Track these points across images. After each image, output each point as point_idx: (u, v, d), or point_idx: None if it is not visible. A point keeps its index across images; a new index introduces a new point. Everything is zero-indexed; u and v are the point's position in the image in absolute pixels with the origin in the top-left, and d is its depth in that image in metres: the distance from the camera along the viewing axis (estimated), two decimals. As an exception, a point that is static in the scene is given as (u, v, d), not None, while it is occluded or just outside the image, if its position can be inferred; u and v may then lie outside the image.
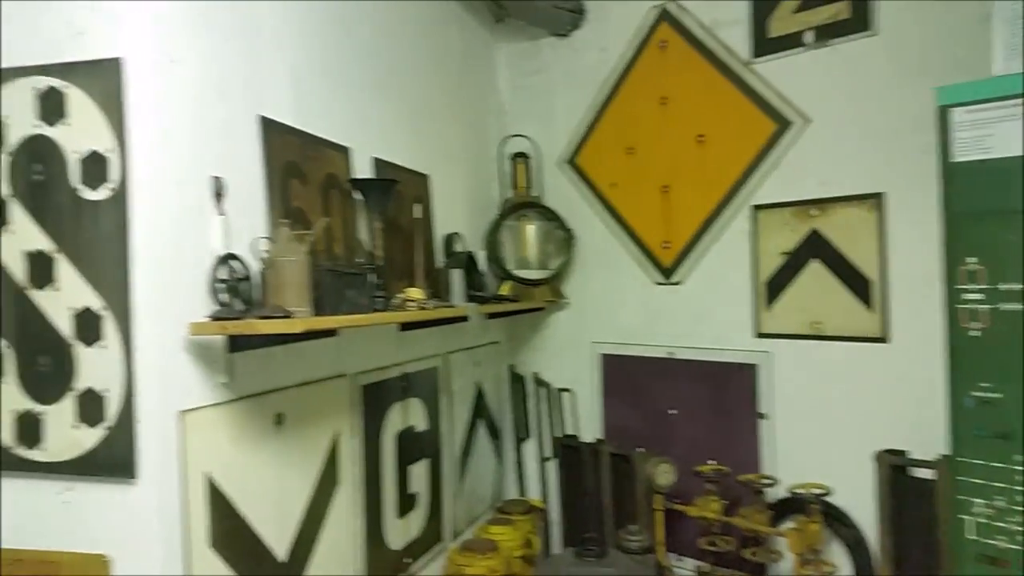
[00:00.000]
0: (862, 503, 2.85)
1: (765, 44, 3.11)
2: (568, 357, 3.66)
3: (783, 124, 3.07)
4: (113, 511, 1.86)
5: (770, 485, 2.97)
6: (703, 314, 3.30)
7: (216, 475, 1.98)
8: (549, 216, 3.53)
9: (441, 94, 3.25)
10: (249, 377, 2.10)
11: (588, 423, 3.61)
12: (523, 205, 3.52)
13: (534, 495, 3.73)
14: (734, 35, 3.17)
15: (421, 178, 2.99)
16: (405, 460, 2.85)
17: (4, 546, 1.86)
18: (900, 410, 2.78)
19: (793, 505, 2.91)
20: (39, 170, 1.82)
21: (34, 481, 1.87)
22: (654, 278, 3.45)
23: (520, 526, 3.30)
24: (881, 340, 2.84)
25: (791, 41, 3.03)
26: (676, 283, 3.39)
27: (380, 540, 2.67)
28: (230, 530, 2.03)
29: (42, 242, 1.81)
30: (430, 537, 3.02)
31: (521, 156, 3.58)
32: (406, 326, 2.81)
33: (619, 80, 3.51)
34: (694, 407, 3.32)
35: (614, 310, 3.54)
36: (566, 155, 3.67)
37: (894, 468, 2.76)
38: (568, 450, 3.62)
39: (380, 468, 2.69)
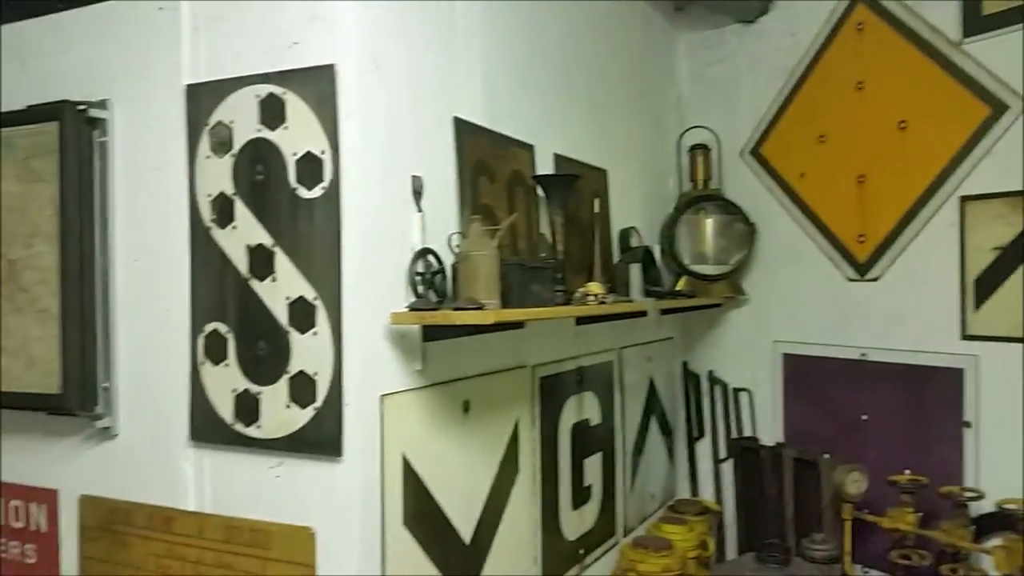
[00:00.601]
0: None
1: (979, 22, 2.85)
2: (746, 356, 3.53)
3: (998, 108, 2.80)
4: (319, 487, 2.00)
5: (976, 499, 2.73)
6: (902, 313, 3.08)
7: (411, 457, 2.09)
8: (729, 209, 3.43)
9: (620, 87, 3.24)
10: (441, 365, 2.19)
11: (767, 425, 3.48)
12: (701, 198, 3.44)
13: (707, 496, 3.64)
14: (940, 14, 2.94)
15: (600, 173, 3.00)
16: (580, 453, 2.87)
17: (223, 513, 2.05)
18: None
19: (999, 521, 2.69)
20: (260, 171, 1.99)
21: (250, 456, 2.05)
22: (847, 274, 3.26)
23: (694, 527, 3.23)
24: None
25: (1010, 17, 2.76)
26: (872, 279, 3.18)
27: (556, 529, 2.71)
28: (421, 510, 2.13)
29: (262, 237, 1.98)
30: (603, 531, 3.03)
31: (700, 148, 3.49)
32: (582, 320, 2.83)
33: (810, 66, 3.34)
34: (888, 413, 3.11)
35: (800, 307, 3.38)
36: (750, 145, 3.54)
37: None
38: (745, 452, 3.50)
39: (557, 459, 2.73)
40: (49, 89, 1.87)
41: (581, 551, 2.85)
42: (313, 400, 1.95)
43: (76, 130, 1.84)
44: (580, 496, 2.86)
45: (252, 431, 2.03)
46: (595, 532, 2.96)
